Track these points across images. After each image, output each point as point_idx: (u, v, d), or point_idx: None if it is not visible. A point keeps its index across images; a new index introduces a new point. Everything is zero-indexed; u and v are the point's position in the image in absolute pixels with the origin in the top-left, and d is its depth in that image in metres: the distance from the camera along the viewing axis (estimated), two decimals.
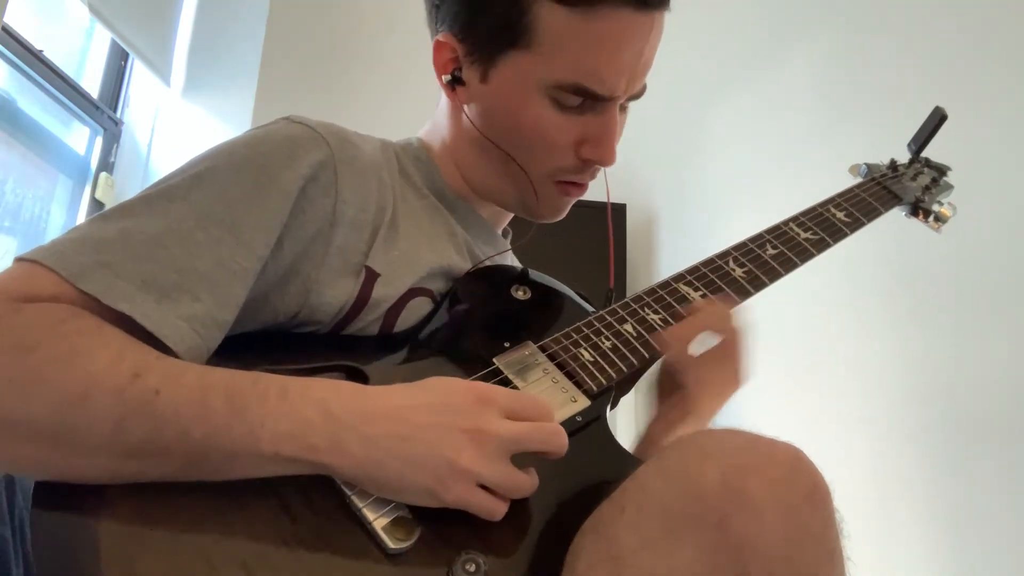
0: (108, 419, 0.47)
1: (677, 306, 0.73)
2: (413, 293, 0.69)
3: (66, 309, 0.51)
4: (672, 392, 0.74)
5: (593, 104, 0.70)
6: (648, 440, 0.75)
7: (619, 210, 2.47)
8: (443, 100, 0.79)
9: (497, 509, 0.52)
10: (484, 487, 0.52)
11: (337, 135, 0.67)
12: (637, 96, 0.74)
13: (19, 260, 0.53)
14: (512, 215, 0.86)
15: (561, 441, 0.55)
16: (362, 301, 0.65)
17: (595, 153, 0.72)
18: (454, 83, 0.73)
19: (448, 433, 0.51)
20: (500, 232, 0.85)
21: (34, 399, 0.46)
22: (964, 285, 1.43)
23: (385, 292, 0.66)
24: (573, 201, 0.79)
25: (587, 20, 0.66)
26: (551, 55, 0.68)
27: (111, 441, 0.47)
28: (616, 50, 0.68)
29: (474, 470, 0.51)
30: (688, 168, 2.43)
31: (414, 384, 0.55)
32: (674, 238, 2.49)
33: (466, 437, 0.51)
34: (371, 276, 0.66)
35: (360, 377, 0.60)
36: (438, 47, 0.73)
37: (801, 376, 1.76)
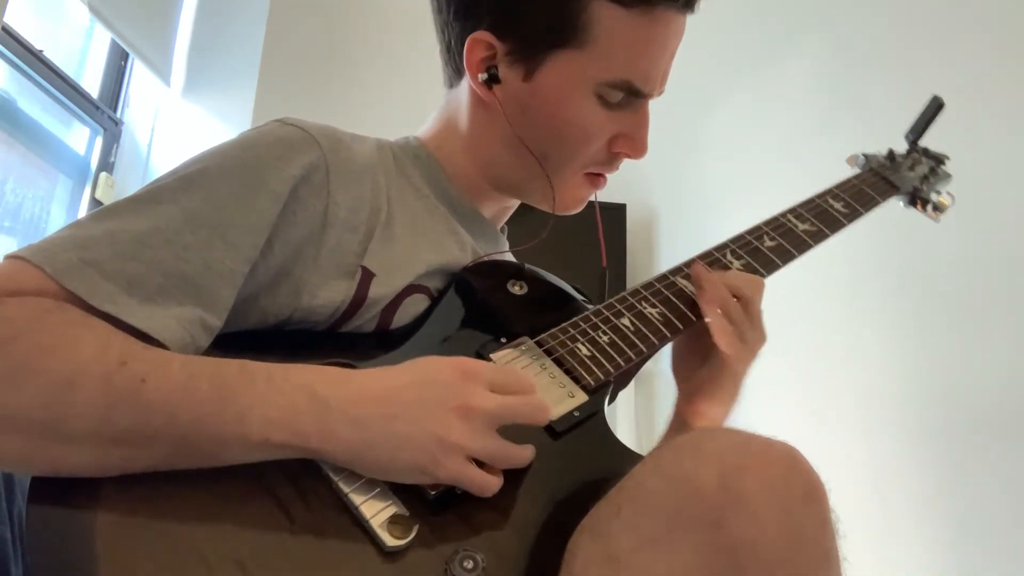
0: (96, 406, 0.47)
1: (676, 300, 0.73)
2: (410, 290, 0.69)
3: (50, 301, 0.51)
4: (697, 362, 0.74)
5: (630, 101, 0.72)
6: (693, 413, 0.74)
7: (619, 209, 2.47)
8: (459, 98, 0.78)
9: (488, 484, 0.53)
10: (477, 463, 0.53)
11: (330, 136, 0.67)
12: (660, 94, 0.76)
13: (7, 257, 0.53)
14: (512, 212, 0.86)
15: (544, 412, 0.57)
16: (359, 301, 0.65)
17: (630, 146, 0.74)
18: (490, 82, 0.73)
19: (435, 410, 0.52)
20: (500, 230, 0.86)
21: (21, 389, 0.46)
22: (964, 283, 1.43)
23: (381, 292, 0.66)
24: (593, 193, 0.80)
25: (643, 20, 0.68)
26: (605, 54, 0.69)
27: (99, 428, 0.47)
28: (662, 50, 0.71)
29: (464, 444, 0.52)
30: (688, 168, 2.43)
31: (398, 365, 0.55)
32: (674, 237, 2.49)
33: (453, 413, 0.52)
34: (367, 276, 0.66)
35: None
36: (473, 45, 0.72)
37: (799, 374, 1.76)
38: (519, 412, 0.55)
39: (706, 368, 0.72)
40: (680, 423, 0.76)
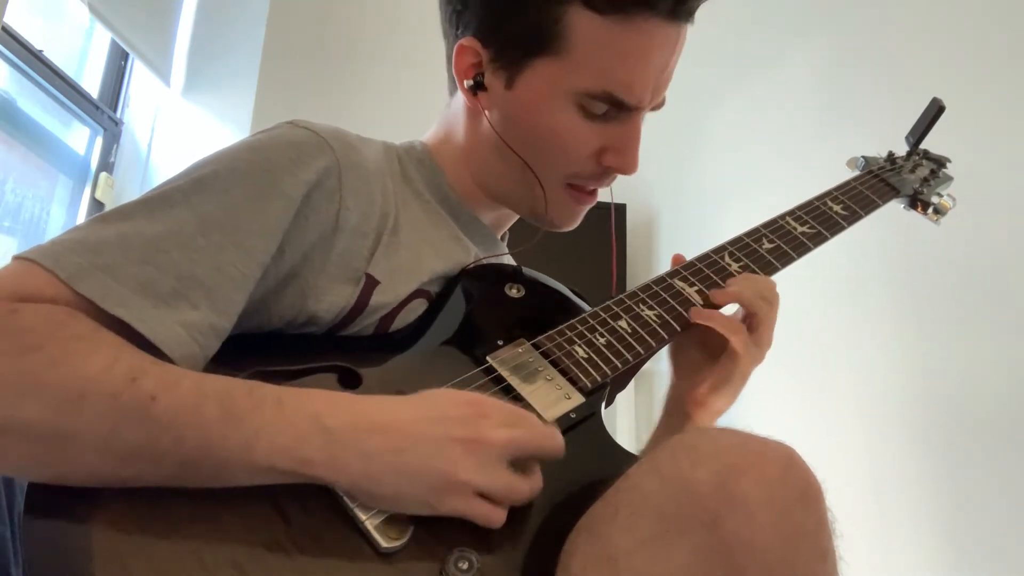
0: (103, 423, 0.47)
1: (673, 301, 0.73)
2: (413, 296, 0.69)
3: (63, 311, 0.50)
4: (704, 355, 0.74)
5: (618, 113, 0.70)
6: (695, 403, 0.75)
7: (619, 210, 2.47)
8: (456, 104, 0.78)
9: (494, 517, 0.52)
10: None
11: (341, 140, 0.67)
12: (658, 107, 0.74)
13: (16, 259, 0.52)
14: (514, 220, 0.86)
15: (557, 443, 0.55)
16: (359, 307, 0.65)
17: (618, 161, 0.73)
18: (476, 88, 0.73)
19: (444, 444, 0.51)
20: (500, 237, 0.85)
21: (30, 401, 0.46)
22: (965, 286, 1.43)
23: (383, 299, 0.66)
24: (586, 210, 0.79)
25: (621, 29, 0.66)
26: (582, 63, 0.68)
27: (106, 445, 0.47)
28: (646, 60, 0.69)
29: (470, 481, 0.50)
30: (688, 168, 2.43)
31: (409, 396, 0.54)
32: (674, 238, 2.49)
33: (461, 447, 0.51)
34: (371, 283, 0.66)
35: (354, 378, 0.59)
36: (460, 51, 0.72)
37: (797, 375, 1.76)
38: (530, 443, 0.54)
39: (718, 363, 0.72)
40: (679, 413, 0.76)
